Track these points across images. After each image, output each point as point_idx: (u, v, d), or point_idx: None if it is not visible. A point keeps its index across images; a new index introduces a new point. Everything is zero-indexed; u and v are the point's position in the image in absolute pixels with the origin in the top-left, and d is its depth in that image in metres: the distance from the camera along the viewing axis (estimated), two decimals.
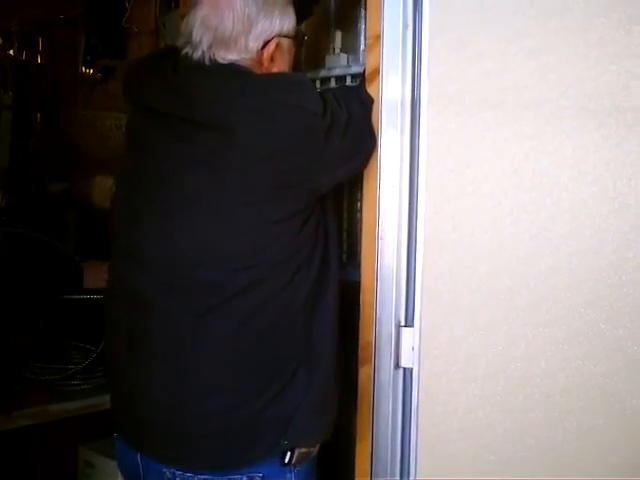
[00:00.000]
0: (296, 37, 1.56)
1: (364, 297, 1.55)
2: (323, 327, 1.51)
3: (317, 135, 1.41)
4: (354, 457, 1.58)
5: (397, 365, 1.50)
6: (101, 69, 2.54)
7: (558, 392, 1.46)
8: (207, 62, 1.46)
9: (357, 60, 1.83)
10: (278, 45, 1.51)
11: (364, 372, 1.54)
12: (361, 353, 1.55)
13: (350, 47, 1.85)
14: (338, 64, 1.81)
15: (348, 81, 1.78)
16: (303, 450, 1.49)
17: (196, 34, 1.46)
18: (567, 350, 1.45)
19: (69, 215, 2.57)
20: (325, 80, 1.83)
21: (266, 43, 1.49)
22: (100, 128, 2.29)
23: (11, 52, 2.49)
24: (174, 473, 1.47)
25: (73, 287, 2.11)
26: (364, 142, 1.51)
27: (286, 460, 1.47)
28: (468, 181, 1.46)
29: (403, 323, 1.50)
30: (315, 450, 1.53)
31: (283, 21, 1.50)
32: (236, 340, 1.44)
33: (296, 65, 1.66)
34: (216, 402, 1.45)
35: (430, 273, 1.48)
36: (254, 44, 1.48)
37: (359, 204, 1.76)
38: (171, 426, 1.48)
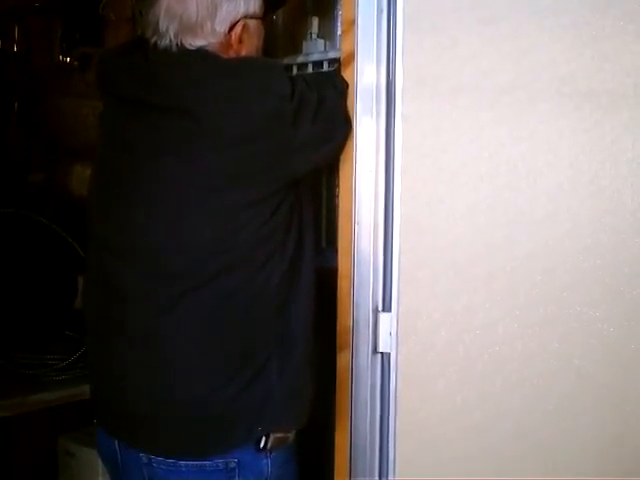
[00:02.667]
0: (264, 17, 1.56)
1: (341, 282, 1.55)
2: (297, 312, 1.50)
3: (285, 119, 1.41)
4: (333, 444, 1.58)
5: (375, 350, 1.50)
6: (78, 57, 2.53)
7: (536, 376, 1.47)
8: (175, 49, 1.46)
9: (334, 45, 1.82)
10: (245, 27, 1.50)
11: (342, 358, 1.54)
12: (339, 338, 1.55)
13: (327, 33, 1.84)
14: (315, 50, 1.80)
15: (325, 67, 1.77)
16: (278, 435, 1.49)
17: (162, 24, 1.46)
18: (544, 334, 1.46)
19: (49, 205, 2.55)
20: (302, 66, 1.82)
21: (233, 26, 1.48)
22: (78, 116, 2.28)
23: None
24: (150, 459, 1.47)
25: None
26: (338, 126, 1.51)
27: (261, 445, 1.47)
28: (444, 166, 1.46)
29: (381, 308, 1.50)
30: (291, 436, 1.53)
31: (248, 2, 1.50)
32: (209, 326, 1.44)
33: (271, 49, 1.66)
34: (189, 389, 1.45)
35: (407, 258, 1.47)
36: (220, 28, 1.47)
37: (337, 190, 1.76)
38: (146, 413, 1.48)
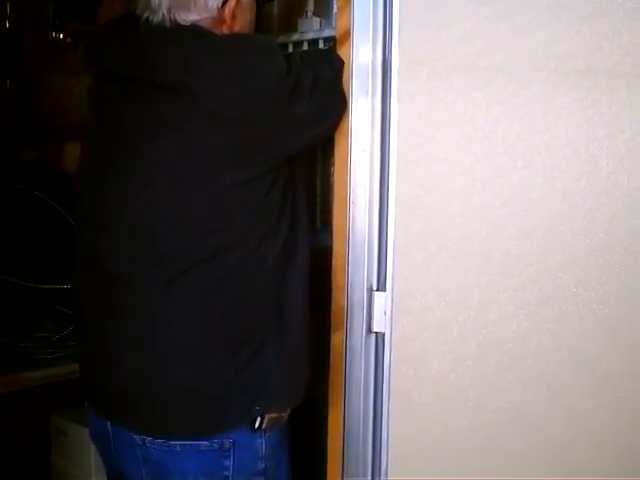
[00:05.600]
0: None
1: (336, 262, 1.54)
2: (294, 294, 1.50)
3: (282, 97, 1.40)
4: (326, 423, 1.58)
5: (369, 330, 1.50)
6: (71, 34, 2.51)
7: (530, 355, 1.47)
8: (168, 25, 1.44)
9: (330, 24, 1.80)
10: (238, 1, 1.48)
11: (336, 337, 1.54)
12: (333, 318, 1.55)
13: (323, 11, 1.83)
14: (311, 28, 1.79)
15: (321, 45, 1.76)
16: (273, 415, 1.49)
17: None
18: (539, 313, 1.45)
19: (42, 183, 2.54)
20: (298, 44, 1.80)
21: (226, 1, 1.47)
22: (71, 94, 2.26)
23: None
24: (144, 440, 1.47)
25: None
26: (333, 104, 1.50)
27: (256, 425, 1.47)
28: (439, 146, 1.45)
29: (375, 287, 1.50)
30: (285, 416, 1.53)
31: None
32: (205, 307, 1.43)
33: (266, 28, 1.64)
34: (186, 370, 1.44)
35: (402, 238, 1.47)
36: (213, 2, 1.46)
37: (332, 169, 1.75)
38: (141, 395, 1.47)
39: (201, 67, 1.38)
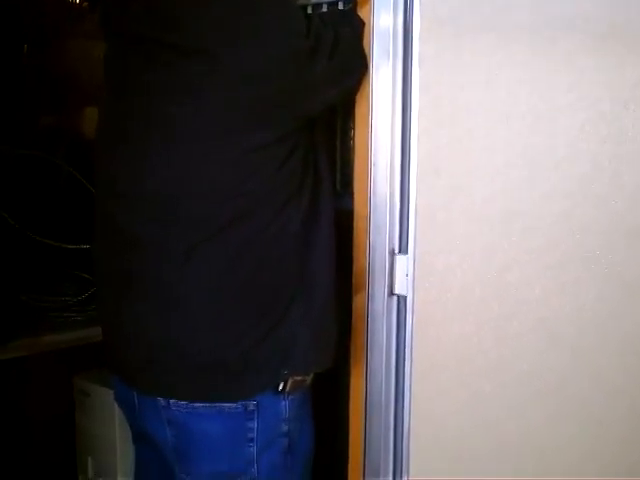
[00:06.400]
0: None
1: (357, 224, 1.54)
2: (318, 258, 1.49)
3: (301, 56, 1.39)
4: (348, 385, 1.59)
5: (391, 292, 1.50)
6: None
7: (552, 317, 1.47)
8: None
9: None
10: None
11: (358, 299, 1.54)
12: (355, 281, 1.55)
13: None
14: None
15: (340, 6, 1.73)
16: (298, 378, 1.49)
17: None
18: (561, 275, 1.45)
19: (60, 148, 2.54)
20: (317, 6, 1.78)
21: None
22: (89, 58, 2.25)
23: None
24: (168, 402, 1.47)
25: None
26: (353, 64, 1.49)
27: (280, 388, 1.47)
28: (461, 106, 1.44)
29: (397, 250, 1.49)
30: (309, 379, 1.53)
31: None
32: (227, 274, 1.42)
33: None
34: (209, 337, 1.44)
35: (424, 200, 1.46)
36: None
37: (352, 132, 1.74)
38: (164, 362, 1.47)
39: (220, 27, 1.36)
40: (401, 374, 1.51)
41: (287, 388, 1.48)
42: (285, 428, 1.51)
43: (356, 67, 1.49)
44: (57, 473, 2.23)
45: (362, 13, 1.51)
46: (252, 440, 1.48)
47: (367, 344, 1.53)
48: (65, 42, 2.47)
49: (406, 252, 1.48)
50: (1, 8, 2.38)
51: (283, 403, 1.50)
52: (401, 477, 1.51)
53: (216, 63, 1.35)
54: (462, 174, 1.45)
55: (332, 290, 1.52)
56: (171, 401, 1.47)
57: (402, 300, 1.50)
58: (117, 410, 1.85)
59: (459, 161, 1.45)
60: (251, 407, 1.46)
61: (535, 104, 1.41)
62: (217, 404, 1.46)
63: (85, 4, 2.52)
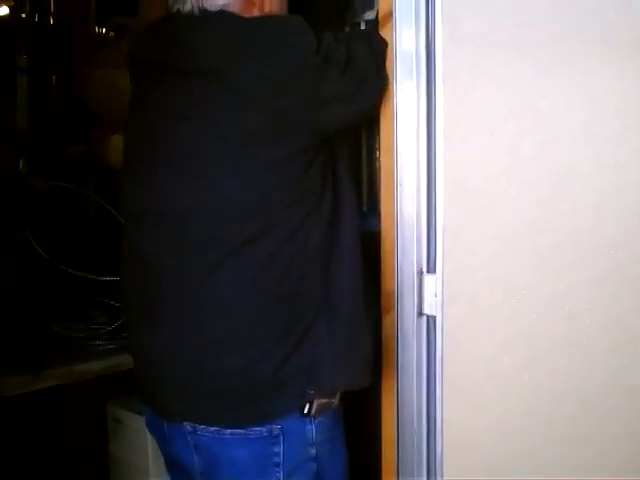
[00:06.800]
0: None
1: (385, 244, 1.53)
2: (341, 269, 1.48)
3: (311, 73, 1.40)
4: (379, 406, 1.57)
5: (420, 313, 1.49)
6: (114, 28, 2.52)
7: (585, 335, 1.45)
8: (197, 12, 1.45)
9: (371, 6, 1.79)
10: None
11: (387, 320, 1.53)
12: (383, 301, 1.54)
13: None
14: None
15: (362, 26, 1.74)
16: (323, 401, 1.48)
17: None
18: (592, 292, 1.44)
19: (89, 178, 2.56)
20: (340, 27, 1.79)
21: None
22: (114, 86, 2.27)
23: (23, 15, 2.46)
24: (195, 427, 1.47)
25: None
26: (370, 82, 1.48)
27: (305, 411, 1.46)
28: (485, 123, 1.43)
29: (425, 270, 1.48)
30: (335, 401, 1.51)
31: None
32: (246, 294, 1.42)
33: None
34: (232, 358, 1.44)
35: (451, 218, 1.45)
36: None
37: (378, 152, 1.74)
38: (189, 385, 1.47)
39: (229, 48, 1.39)
40: (432, 394, 1.49)
41: (312, 411, 1.47)
42: (313, 452, 1.51)
43: (373, 85, 1.49)
44: None
45: (384, 32, 1.51)
46: (278, 465, 1.48)
47: (397, 364, 1.52)
48: (92, 71, 2.50)
49: (434, 272, 1.47)
50: (30, 40, 2.43)
51: (309, 427, 1.49)
52: None
53: (225, 84, 1.38)
54: (488, 191, 1.44)
55: (359, 307, 1.50)
56: (197, 426, 1.47)
57: (431, 320, 1.48)
58: (149, 437, 1.85)
59: (485, 178, 1.44)
60: (275, 431, 1.46)
61: (559, 119, 1.40)
62: (242, 430, 1.45)
63: (111, 34, 2.55)
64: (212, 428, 1.46)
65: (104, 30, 2.57)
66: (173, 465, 1.65)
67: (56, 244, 2.21)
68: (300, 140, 1.42)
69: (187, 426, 1.48)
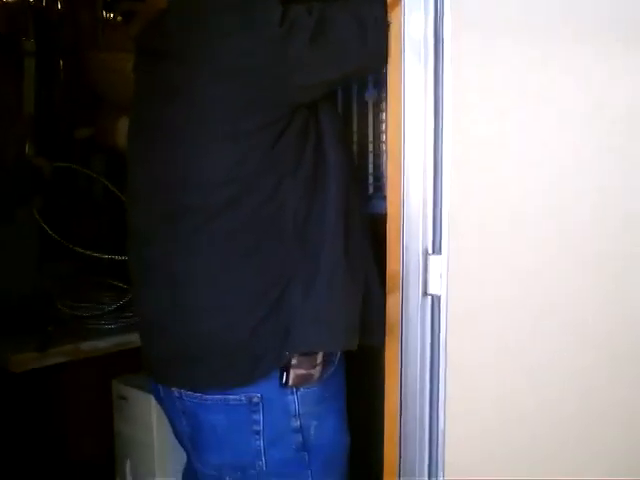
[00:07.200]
0: None
1: (391, 225, 1.54)
2: (323, 233, 1.51)
3: (275, 43, 1.42)
4: (382, 385, 1.59)
5: (425, 292, 1.50)
6: (122, 12, 2.53)
7: (589, 314, 1.46)
8: None
9: None
10: None
11: (392, 300, 1.54)
12: (388, 281, 1.55)
13: None
14: None
15: None
16: (300, 371, 1.51)
17: None
18: (597, 274, 1.45)
19: (96, 160, 2.58)
20: None
21: None
22: (122, 70, 2.28)
23: None
24: (180, 393, 1.55)
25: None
26: (349, 52, 1.49)
27: (283, 380, 1.50)
28: (493, 107, 1.44)
29: (431, 251, 1.49)
30: (316, 373, 1.54)
31: None
32: (222, 258, 1.48)
33: None
34: (211, 322, 1.50)
35: (457, 200, 1.46)
36: None
37: (384, 135, 1.76)
38: (177, 351, 1.54)
39: (197, 27, 1.45)
40: (435, 373, 1.50)
41: (290, 381, 1.50)
42: (296, 424, 1.54)
43: (353, 54, 1.50)
44: (96, 476, 2.26)
45: (392, 16, 1.52)
46: (258, 432, 1.52)
47: (402, 343, 1.53)
48: (99, 55, 2.52)
49: (440, 252, 1.48)
50: (37, 24, 2.44)
51: (291, 397, 1.52)
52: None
53: (196, 64, 1.44)
54: (494, 173, 1.45)
55: (339, 276, 1.53)
56: (182, 392, 1.54)
57: (436, 300, 1.49)
58: (155, 413, 1.89)
59: (491, 160, 1.45)
60: (255, 399, 1.50)
61: (568, 103, 1.41)
62: (222, 395, 1.50)
63: (119, 18, 2.56)
64: (196, 394, 1.52)
65: (112, 15, 2.58)
66: (177, 435, 1.71)
67: (62, 224, 2.23)
68: (270, 110, 1.46)
69: (175, 392, 1.56)
